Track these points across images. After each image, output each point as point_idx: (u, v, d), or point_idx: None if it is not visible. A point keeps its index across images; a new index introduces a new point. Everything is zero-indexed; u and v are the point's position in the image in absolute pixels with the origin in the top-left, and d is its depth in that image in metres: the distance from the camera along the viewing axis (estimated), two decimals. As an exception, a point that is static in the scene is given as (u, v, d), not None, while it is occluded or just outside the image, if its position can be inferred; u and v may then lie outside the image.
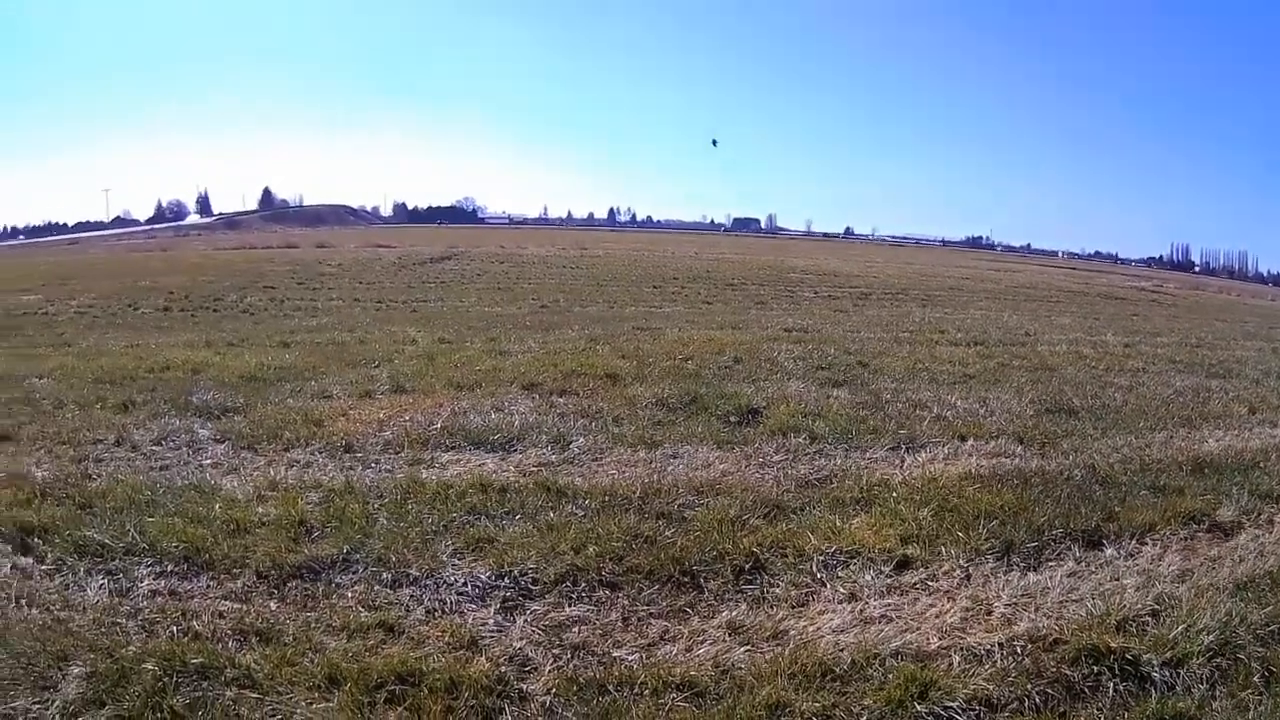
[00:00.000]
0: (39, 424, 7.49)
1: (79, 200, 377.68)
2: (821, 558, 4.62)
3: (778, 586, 4.39)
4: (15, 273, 35.04)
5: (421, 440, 6.79)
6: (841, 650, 3.70)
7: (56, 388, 9.09)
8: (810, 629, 3.95)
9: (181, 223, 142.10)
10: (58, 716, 3.35)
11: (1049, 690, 3.47)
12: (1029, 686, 3.47)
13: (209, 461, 6.44)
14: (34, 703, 3.41)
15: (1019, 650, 3.71)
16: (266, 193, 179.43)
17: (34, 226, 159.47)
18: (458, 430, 6.98)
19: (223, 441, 6.88)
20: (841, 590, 4.31)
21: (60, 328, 15.12)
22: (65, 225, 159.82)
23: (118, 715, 3.33)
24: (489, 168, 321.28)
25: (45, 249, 76.54)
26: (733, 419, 7.34)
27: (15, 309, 18.63)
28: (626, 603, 4.22)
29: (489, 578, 4.45)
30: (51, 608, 4.21)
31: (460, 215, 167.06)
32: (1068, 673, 3.57)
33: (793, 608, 4.19)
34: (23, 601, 4.27)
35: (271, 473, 6.09)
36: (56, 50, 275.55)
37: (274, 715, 3.36)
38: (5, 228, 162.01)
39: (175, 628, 3.95)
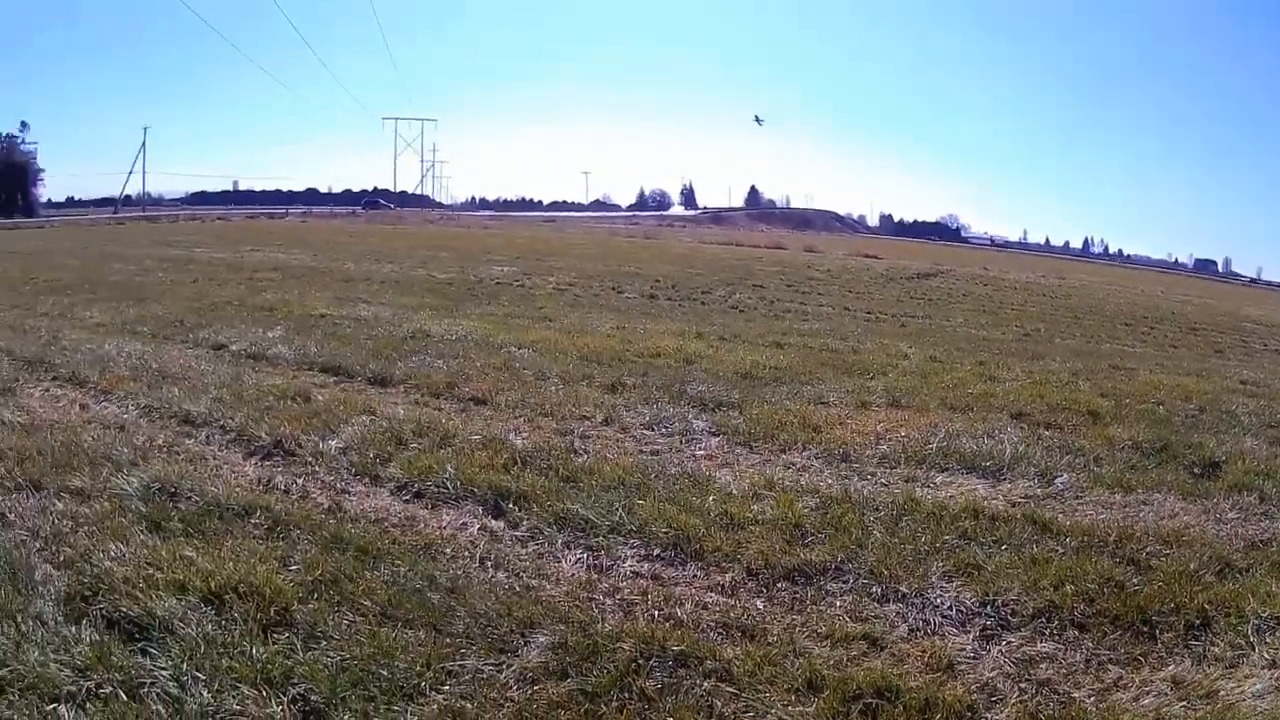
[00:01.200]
0: (518, 392, 8.55)
1: (557, 180, 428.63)
2: (1256, 621, 4.73)
3: (1217, 646, 4.52)
4: (486, 244, 39.70)
5: (917, 458, 7.22)
6: (1256, 715, 3.91)
7: (539, 360, 10.33)
8: (1236, 691, 4.12)
9: (665, 213, 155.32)
10: (514, 681, 3.75)
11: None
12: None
13: (702, 453, 7.06)
14: (488, 664, 3.85)
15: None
16: (753, 191, 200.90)
17: (507, 201, 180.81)
18: (951, 452, 7.36)
19: (717, 435, 7.52)
20: (1266, 656, 4.43)
21: (539, 302, 17.16)
22: (540, 203, 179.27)
23: (581, 689, 3.69)
24: (973, 184, 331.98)
25: (519, 223, 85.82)
26: (1196, 470, 7.53)
27: (488, 279, 21.41)
28: (1091, 645, 4.43)
29: (973, 604, 4.73)
30: (521, 574, 4.72)
31: (943, 232, 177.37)
32: None
33: (1226, 668, 4.33)
34: (489, 564, 4.84)
35: (768, 472, 6.59)
36: (540, 32, 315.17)
37: (748, 712, 3.65)
38: (474, 198, 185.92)
39: (656, 612, 4.34)
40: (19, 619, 4.22)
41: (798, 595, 4.69)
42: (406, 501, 5.89)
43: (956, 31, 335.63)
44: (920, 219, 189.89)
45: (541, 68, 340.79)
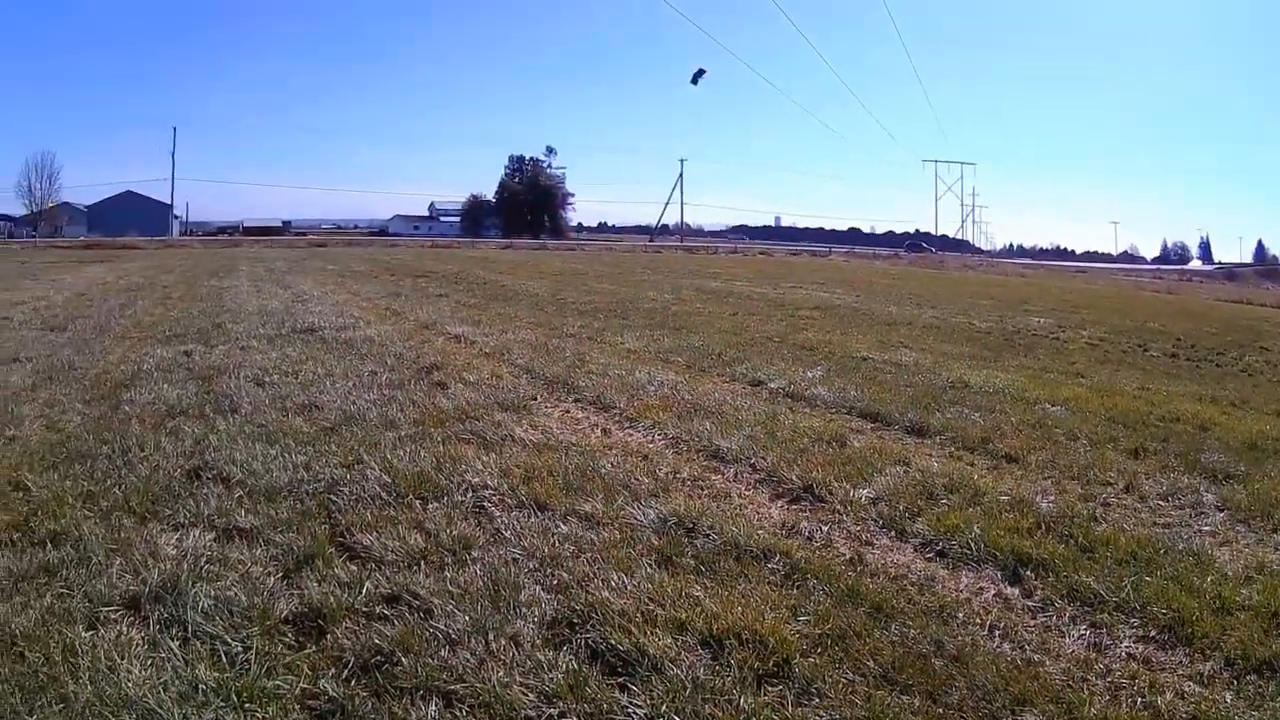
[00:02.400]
0: (1049, 452, 8.44)
1: (1088, 229, 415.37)
2: None
3: None
4: (1023, 293, 39.08)
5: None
6: None
7: (1069, 418, 10.14)
8: None
9: (1185, 267, 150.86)
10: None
11: None
12: None
13: (1208, 529, 6.75)
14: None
15: None
16: (1259, 246, 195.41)
17: (1042, 249, 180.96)
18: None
19: (1223, 510, 7.19)
20: None
21: (1071, 356, 16.81)
22: (1072, 252, 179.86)
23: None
24: None
25: (1054, 273, 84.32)
26: None
27: (1025, 330, 21.16)
28: None
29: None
30: (1025, 647, 4.70)
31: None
32: None
33: None
34: (996, 633, 4.83)
35: (1260, 554, 6.24)
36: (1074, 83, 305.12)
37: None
38: (1012, 245, 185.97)
39: (1139, 699, 4.27)
40: (491, 636, 4.57)
41: (1260, 690, 4.49)
42: (928, 560, 5.92)
43: None
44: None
45: (1077, 114, 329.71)
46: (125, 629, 4.67)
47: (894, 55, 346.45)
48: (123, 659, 4.35)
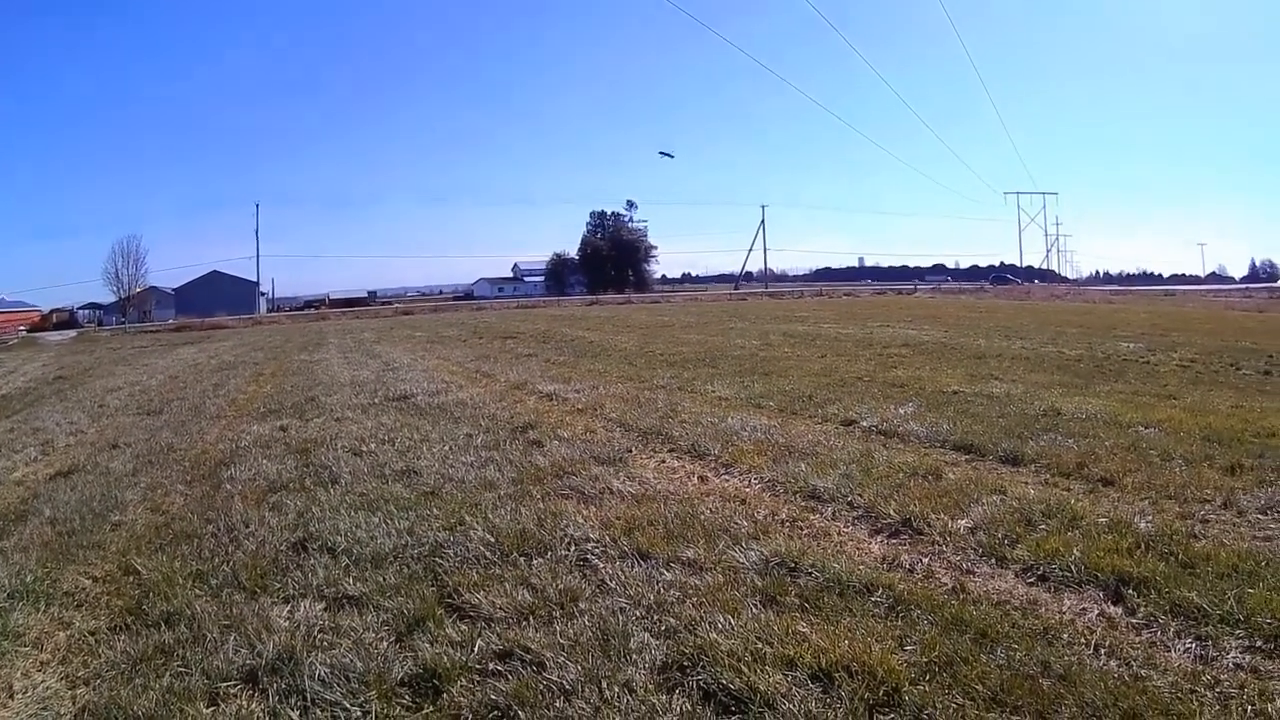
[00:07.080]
0: (1145, 474, 8.44)
1: (1174, 252, 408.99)
2: None
3: None
4: (1111, 319, 38.40)
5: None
6: None
7: (1163, 440, 10.11)
8: None
9: (1275, 284, 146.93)
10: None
11: None
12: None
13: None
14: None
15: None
16: None
17: (1129, 274, 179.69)
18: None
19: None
20: None
21: (1163, 379, 16.59)
22: (1159, 275, 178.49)
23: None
24: None
25: (1141, 298, 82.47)
26: None
27: (1115, 355, 20.93)
28: None
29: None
30: (1132, 663, 4.73)
31: None
32: None
33: None
34: (1102, 651, 4.87)
35: None
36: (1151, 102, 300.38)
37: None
38: (1098, 271, 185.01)
39: (1249, 707, 4.29)
40: (604, 684, 4.65)
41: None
42: (1030, 584, 5.96)
43: None
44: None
45: (1158, 139, 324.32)
46: (245, 702, 4.80)
47: (970, 86, 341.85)
48: (241, 733, 4.49)
